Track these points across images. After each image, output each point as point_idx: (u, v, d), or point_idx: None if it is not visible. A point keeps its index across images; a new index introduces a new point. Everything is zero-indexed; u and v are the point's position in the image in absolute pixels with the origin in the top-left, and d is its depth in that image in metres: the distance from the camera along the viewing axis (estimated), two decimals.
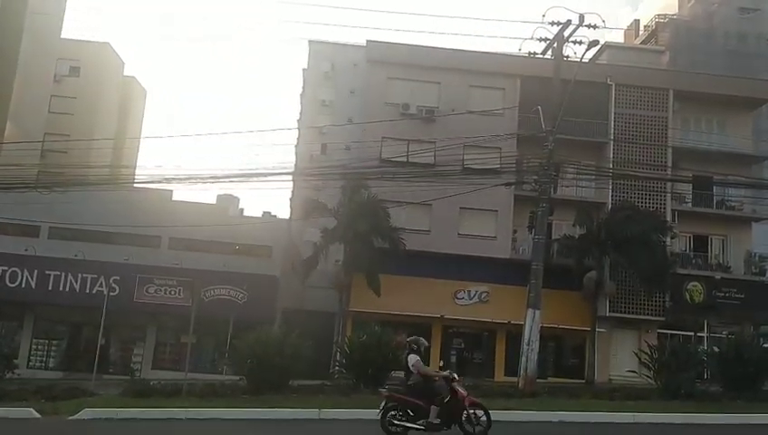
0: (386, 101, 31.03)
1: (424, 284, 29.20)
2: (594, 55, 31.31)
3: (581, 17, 19.26)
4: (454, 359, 30.12)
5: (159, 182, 23.01)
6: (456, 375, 11.44)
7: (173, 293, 27.73)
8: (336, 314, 28.54)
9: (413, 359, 11.56)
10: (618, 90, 31.46)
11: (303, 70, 49.01)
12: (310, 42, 48.30)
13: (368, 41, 32.32)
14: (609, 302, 29.44)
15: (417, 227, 29.43)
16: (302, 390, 16.81)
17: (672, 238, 29.65)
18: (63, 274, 28.25)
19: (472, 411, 11.07)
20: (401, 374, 18.22)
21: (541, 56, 20.58)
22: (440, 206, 28.57)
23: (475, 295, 30.01)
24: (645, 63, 34.85)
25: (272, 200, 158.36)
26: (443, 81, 31.43)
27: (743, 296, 30.12)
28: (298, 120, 49.13)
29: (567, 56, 20.05)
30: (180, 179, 21.41)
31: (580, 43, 19.76)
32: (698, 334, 29.79)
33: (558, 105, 19.82)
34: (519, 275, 24.20)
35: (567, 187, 30.14)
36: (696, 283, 30.09)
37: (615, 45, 37.33)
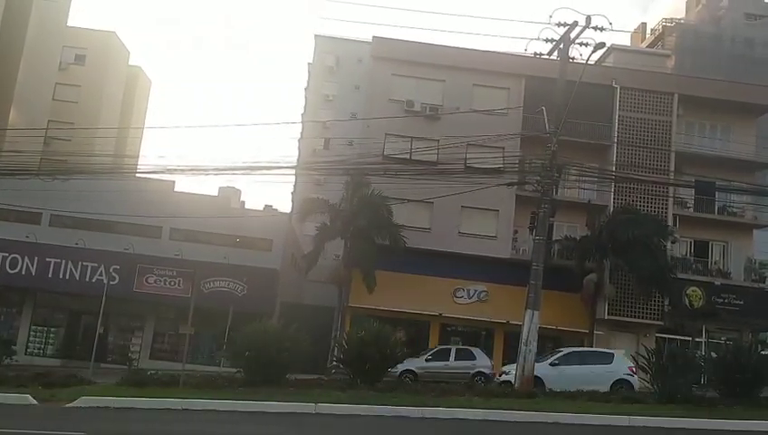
0: (390, 98, 31.01)
1: (423, 281, 29.24)
2: (600, 57, 31.24)
3: (588, 19, 19.15)
4: None
5: (162, 173, 23.06)
6: None
7: (173, 283, 27.79)
8: (335, 308, 28.57)
9: None
10: (623, 93, 31.45)
11: (308, 64, 49.13)
12: (315, 36, 48.45)
13: (373, 37, 32.32)
14: (608, 304, 29.44)
15: (417, 225, 29.43)
16: (299, 383, 16.81)
17: (673, 243, 29.64)
18: (64, 261, 28.32)
19: None
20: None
21: (546, 57, 20.52)
22: (442, 204, 28.59)
23: (474, 294, 30.04)
24: (651, 67, 34.79)
25: (273, 194, 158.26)
26: (448, 79, 31.42)
27: (742, 303, 30.09)
28: (302, 115, 49.26)
29: (573, 58, 19.96)
30: (183, 170, 21.44)
31: (587, 44, 19.64)
32: (696, 340, 29.76)
33: (562, 106, 19.78)
34: (519, 276, 24.16)
35: (569, 188, 30.11)
36: (695, 288, 30.05)
37: (621, 48, 37.21)
